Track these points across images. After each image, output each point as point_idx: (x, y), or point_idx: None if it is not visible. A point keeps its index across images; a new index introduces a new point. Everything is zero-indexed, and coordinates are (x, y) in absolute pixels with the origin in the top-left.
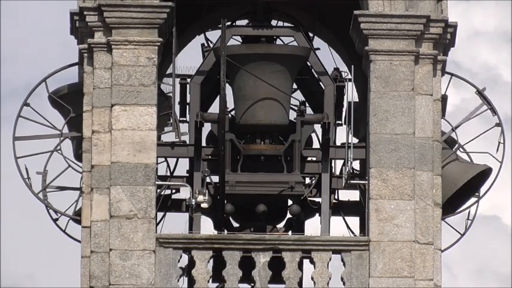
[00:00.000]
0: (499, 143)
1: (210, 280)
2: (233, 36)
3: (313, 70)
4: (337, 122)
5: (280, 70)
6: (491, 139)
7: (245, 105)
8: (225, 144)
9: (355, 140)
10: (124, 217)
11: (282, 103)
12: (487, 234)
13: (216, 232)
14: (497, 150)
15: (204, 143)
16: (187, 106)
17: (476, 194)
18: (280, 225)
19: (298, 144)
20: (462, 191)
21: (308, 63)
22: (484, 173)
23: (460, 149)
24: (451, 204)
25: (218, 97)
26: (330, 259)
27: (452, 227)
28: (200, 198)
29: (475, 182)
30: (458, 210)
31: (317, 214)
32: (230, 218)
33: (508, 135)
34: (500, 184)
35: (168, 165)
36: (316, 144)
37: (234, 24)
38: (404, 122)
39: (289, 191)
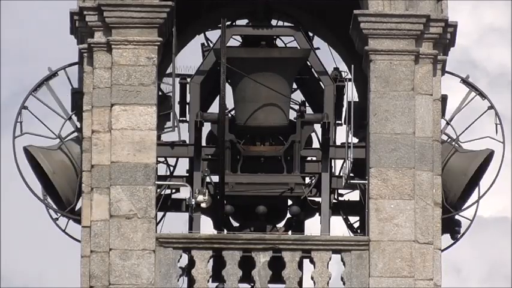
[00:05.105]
0: (496, 124)
1: (210, 280)
2: (233, 36)
3: (313, 70)
4: (337, 121)
5: (280, 72)
6: (488, 127)
7: (245, 107)
8: (225, 145)
9: (355, 140)
10: (124, 217)
11: (282, 104)
12: (497, 235)
13: (216, 232)
14: (496, 132)
15: (204, 143)
16: (187, 106)
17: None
18: (280, 224)
19: (298, 145)
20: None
21: (308, 63)
22: (487, 161)
23: (459, 141)
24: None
25: (218, 97)
26: (330, 259)
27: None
28: (200, 198)
29: (475, 173)
30: (460, 209)
31: (317, 214)
32: (230, 218)
33: (508, 134)
34: (508, 184)
35: (168, 165)
36: (316, 144)
37: (234, 24)
38: (404, 121)
39: (289, 192)
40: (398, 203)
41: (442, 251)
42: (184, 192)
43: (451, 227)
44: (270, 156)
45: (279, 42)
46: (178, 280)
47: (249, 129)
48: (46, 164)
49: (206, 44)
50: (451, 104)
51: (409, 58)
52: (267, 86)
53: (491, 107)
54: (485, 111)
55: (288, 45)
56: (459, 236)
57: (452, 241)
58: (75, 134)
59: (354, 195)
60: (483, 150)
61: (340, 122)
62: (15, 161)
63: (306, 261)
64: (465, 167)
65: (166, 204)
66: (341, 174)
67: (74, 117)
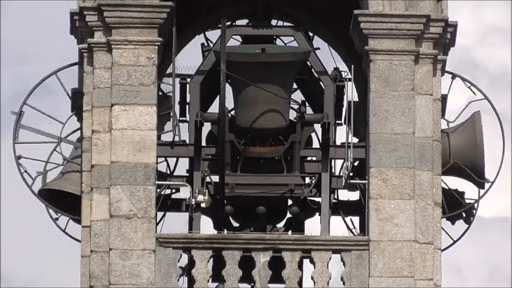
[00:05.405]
0: (469, 87)
1: (210, 280)
2: (233, 36)
3: (313, 70)
4: (337, 121)
5: (280, 75)
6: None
7: (245, 109)
8: (225, 146)
9: (355, 140)
10: (124, 217)
11: (282, 106)
12: (497, 236)
13: (216, 232)
14: (475, 94)
15: (204, 143)
16: (187, 106)
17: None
18: (280, 224)
19: (298, 146)
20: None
21: (308, 63)
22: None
23: (449, 123)
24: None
25: (218, 97)
26: (330, 259)
27: (447, 233)
28: (200, 197)
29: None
30: (460, 209)
31: (317, 214)
32: (230, 218)
33: (508, 134)
34: (508, 184)
35: (168, 165)
36: (316, 144)
37: (234, 24)
38: (404, 121)
39: (289, 193)
40: (398, 203)
41: (442, 250)
42: (184, 192)
43: (464, 211)
44: (270, 157)
45: (279, 43)
46: (178, 280)
47: (249, 131)
48: (73, 188)
49: (206, 44)
50: None
51: (409, 58)
52: (267, 90)
53: (454, 76)
54: (451, 82)
55: (287, 44)
56: (472, 219)
57: (466, 225)
58: (72, 147)
59: (354, 195)
60: (471, 116)
61: (340, 122)
62: (16, 160)
63: (306, 261)
64: (471, 138)
65: (166, 204)
66: (341, 174)
67: (70, 125)
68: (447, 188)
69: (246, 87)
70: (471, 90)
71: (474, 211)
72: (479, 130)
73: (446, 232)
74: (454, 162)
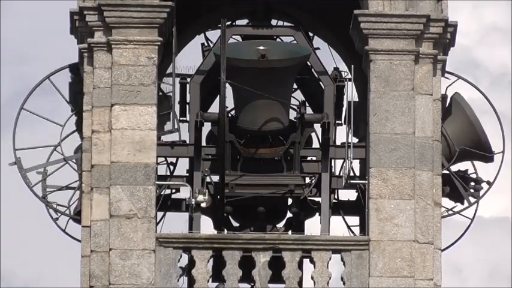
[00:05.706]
0: (447, 78)
1: (210, 280)
2: (233, 36)
3: (313, 70)
4: (337, 121)
5: (280, 79)
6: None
7: (245, 110)
8: (225, 146)
9: (355, 140)
10: (124, 217)
11: (282, 108)
12: (497, 236)
13: (216, 232)
14: (448, 78)
15: (204, 143)
16: (187, 106)
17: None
18: (280, 224)
19: (298, 146)
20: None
21: (308, 63)
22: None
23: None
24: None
25: (218, 97)
26: (330, 259)
27: (462, 215)
28: (200, 197)
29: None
30: (460, 209)
31: (317, 214)
32: (230, 218)
33: (508, 133)
34: (508, 184)
35: (168, 165)
36: (316, 144)
37: (234, 24)
38: (404, 121)
39: (289, 194)
40: (398, 203)
41: (442, 250)
42: (184, 192)
43: (473, 188)
44: (270, 158)
45: (278, 41)
46: (178, 280)
47: (249, 132)
48: None
49: (206, 44)
50: None
51: (409, 58)
52: (267, 95)
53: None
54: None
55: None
56: (480, 195)
57: (475, 206)
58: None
59: (354, 195)
60: (451, 99)
61: (340, 122)
62: (15, 158)
63: (306, 261)
64: (465, 119)
65: (166, 204)
66: (341, 174)
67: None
68: (453, 171)
69: (246, 89)
70: (443, 74)
71: (483, 184)
72: (468, 108)
73: (461, 214)
74: (460, 149)
